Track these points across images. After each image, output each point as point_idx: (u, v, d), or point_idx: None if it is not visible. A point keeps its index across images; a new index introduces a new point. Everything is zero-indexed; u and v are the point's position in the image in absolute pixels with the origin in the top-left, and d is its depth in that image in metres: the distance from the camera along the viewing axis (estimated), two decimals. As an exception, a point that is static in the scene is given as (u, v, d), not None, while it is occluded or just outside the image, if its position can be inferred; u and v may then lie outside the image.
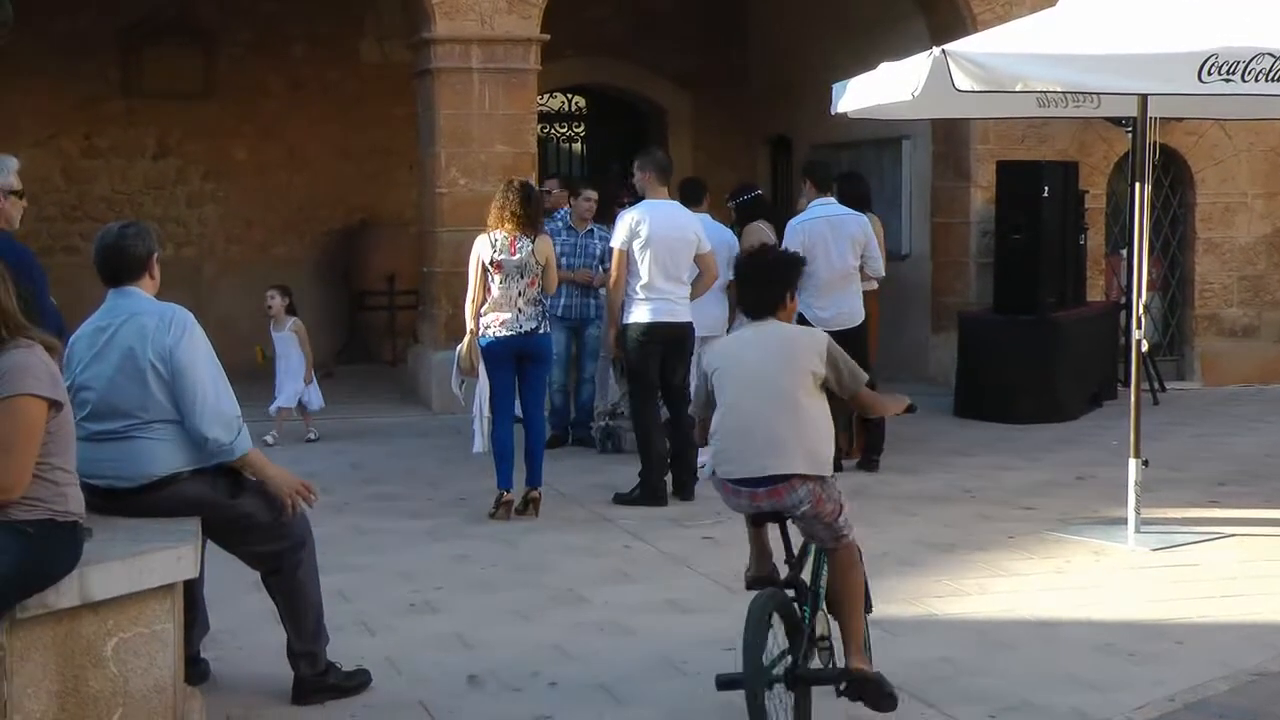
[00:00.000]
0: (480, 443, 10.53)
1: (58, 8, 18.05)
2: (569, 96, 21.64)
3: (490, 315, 10.35)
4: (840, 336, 11.78)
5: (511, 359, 10.40)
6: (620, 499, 10.90)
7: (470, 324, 10.42)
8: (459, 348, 10.53)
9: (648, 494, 10.85)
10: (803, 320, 11.94)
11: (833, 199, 12.24)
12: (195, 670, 6.67)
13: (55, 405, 5.31)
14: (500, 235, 10.38)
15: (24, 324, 5.36)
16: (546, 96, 20.28)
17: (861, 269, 12.08)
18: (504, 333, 10.36)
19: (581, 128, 22.00)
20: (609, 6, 20.29)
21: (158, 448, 6.17)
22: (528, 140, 15.13)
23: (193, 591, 6.43)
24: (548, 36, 15.16)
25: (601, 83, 21.03)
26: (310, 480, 6.59)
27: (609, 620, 7.94)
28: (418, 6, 15.14)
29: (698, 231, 11.20)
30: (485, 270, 10.34)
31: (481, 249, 10.37)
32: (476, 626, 7.82)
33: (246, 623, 7.54)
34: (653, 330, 10.93)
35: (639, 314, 10.95)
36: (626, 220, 11.01)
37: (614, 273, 10.98)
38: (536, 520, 10.35)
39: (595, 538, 9.89)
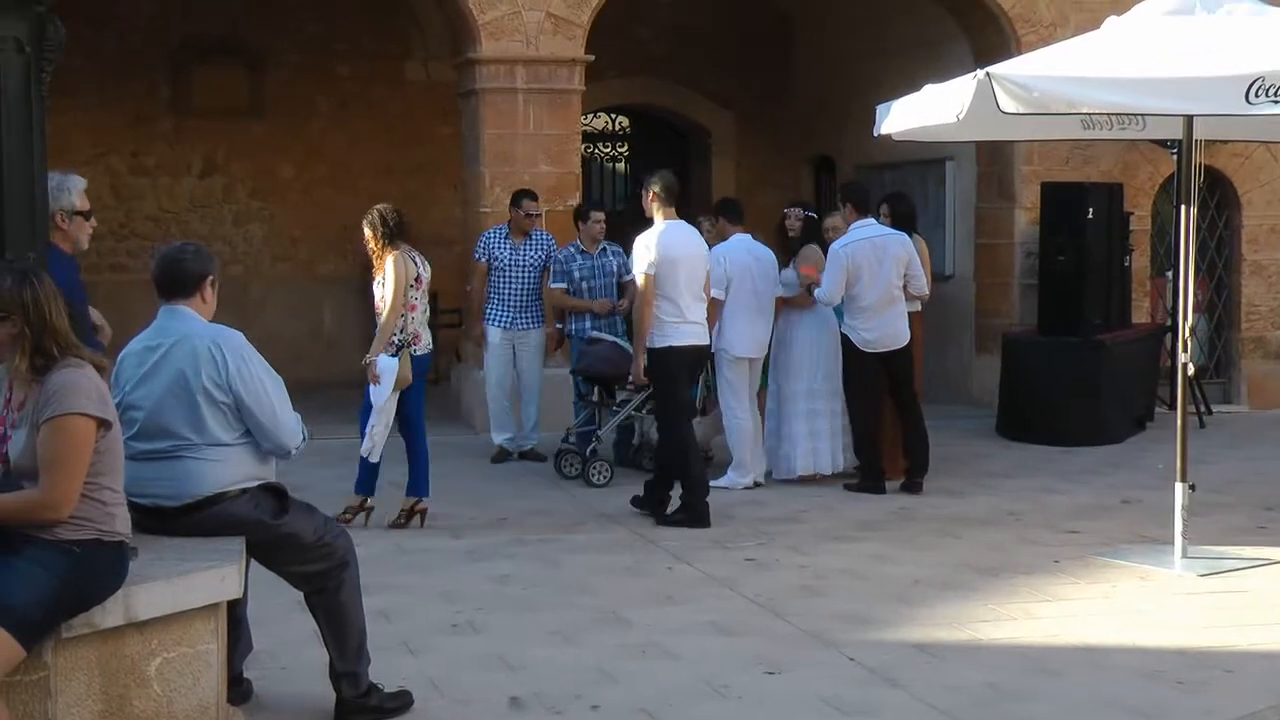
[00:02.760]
0: (379, 451, 10.62)
1: (108, 27, 18.19)
2: (613, 116, 21.64)
3: (411, 331, 10.52)
4: (887, 358, 11.95)
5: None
6: (663, 520, 10.88)
7: (398, 339, 10.46)
8: (395, 362, 10.41)
9: (692, 515, 10.83)
10: (848, 343, 11.96)
11: (873, 220, 12.22)
12: (238, 690, 6.67)
13: (104, 424, 5.34)
14: (415, 254, 10.65)
15: (75, 342, 5.41)
16: (590, 116, 20.30)
17: (905, 288, 12.05)
18: (424, 351, 10.71)
19: (625, 147, 22.02)
20: (652, 27, 20.31)
21: (203, 467, 6.19)
22: (572, 160, 15.15)
23: (236, 611, 6.45)
24: (592, 57, 15.18)
25: (645, 103, 21.04)
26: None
27: (651, 642, 7.91)
28: (463, 27, 15.20)
29: (706, 252, 11.32)
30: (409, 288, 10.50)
31: (408, 267, 10.48)
32: (519, 647, 7.81)
33: (289, 643, 7.55)
34: (687, 352, 10.99)
35: (674, 336, 10.95)
36: (650, 244, 10.93)
37: (644, 298, 10.92)
38: (579, 540, 10.36)
39: (637, 559, 9.87)
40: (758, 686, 7.22)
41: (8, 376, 5.43)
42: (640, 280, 10.94)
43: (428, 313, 10.81)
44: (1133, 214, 15.90)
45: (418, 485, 10.80)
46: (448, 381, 16.41)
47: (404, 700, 6.84)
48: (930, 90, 10.15)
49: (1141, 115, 10.38)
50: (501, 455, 13.40)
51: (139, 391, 6.27)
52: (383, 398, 10.43)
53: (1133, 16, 9.99)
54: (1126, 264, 15.65)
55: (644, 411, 12.33)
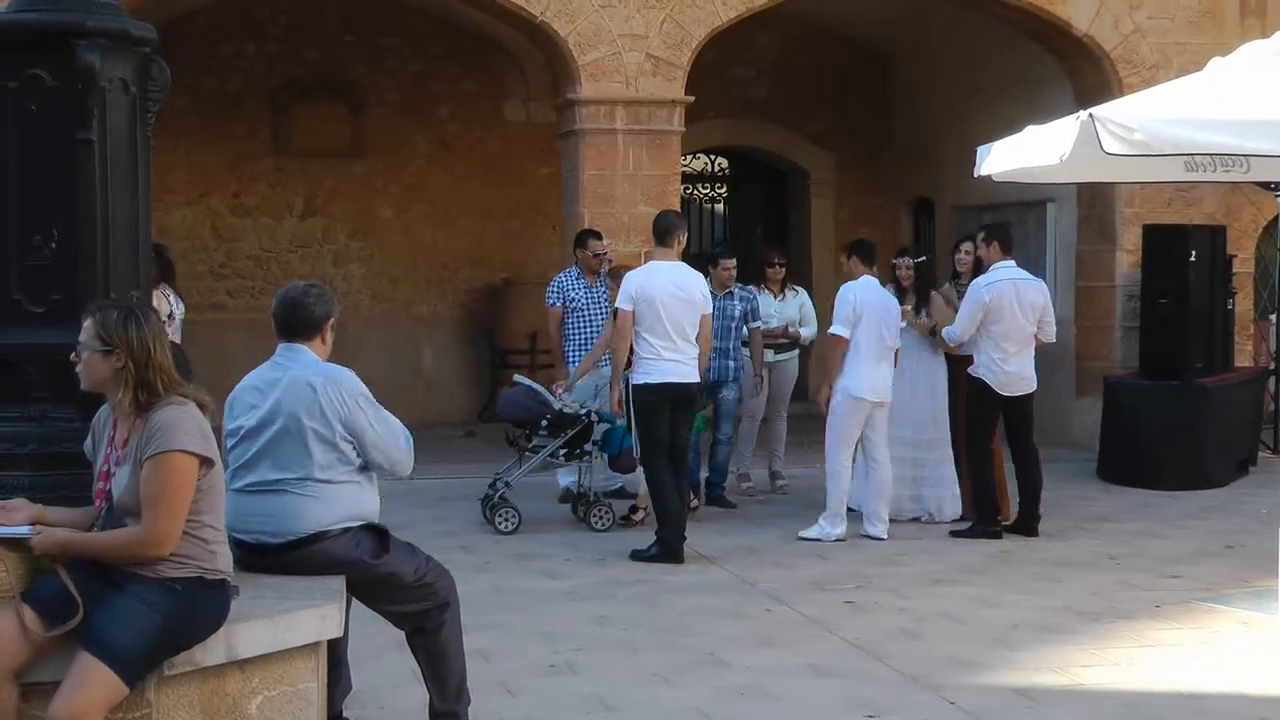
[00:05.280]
0: None
1: (210, 69, 18.43)
2: (712, 157, 21.68)
3: None
4: (1013, 402, 11.81)
5: None
6: (637, 555, 10.94)
7: None
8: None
9: (665, 551, 10.88)
10: (979, 385, 11.79)
11: (1013, 262, 12.07)
12: (338, 729, 6.71)
13: (206, 462, 5.37)
14: (170, 293, 11.21)
15: (178, 379, 5.45)
16: (689, 157, 20.34)
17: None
18: None
19: (724, 189, 22.03)
20: (752, 69, 20.36)
21: (306, 505, 6.22)
22: (671, 201, 15.15)
23: (336, 650, 6.46)
24: (692, 98, 15.22)
25: (744, 144, 21.05)
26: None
27: (750, 685, 7.87)
28: (563, 68, 15.28)
29: (702, 292, 11.22)
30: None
31: (162, 305, 10.70)
32: (617, 689, 7.79)
33: (388, 682, 7.56)
34: (663, 390, 10.97)
35: (650, 374, 10.99)
36: (631, 281, 11.07)
37: (613, 331, 11.13)
38: (677, 581, 10.34)
39: (736, 600, 9.84)
40: (856, 731, 7.18)
41: (112, 415, 5.49)
42: (617, 315, 11.11)
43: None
44: (1235, 256, 15.74)
45: None
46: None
47: (502, 740, 6.84)
48: (1032, 131, 10.09)
49: (1247, 157, 10.26)
50: (568, 497, 13.31)
51: (251, 424, 6.33)
52: None
53: (1238, 57, 9.90)
54: (1229, 307, 15.49)
55: (561, 457, 12.20)
